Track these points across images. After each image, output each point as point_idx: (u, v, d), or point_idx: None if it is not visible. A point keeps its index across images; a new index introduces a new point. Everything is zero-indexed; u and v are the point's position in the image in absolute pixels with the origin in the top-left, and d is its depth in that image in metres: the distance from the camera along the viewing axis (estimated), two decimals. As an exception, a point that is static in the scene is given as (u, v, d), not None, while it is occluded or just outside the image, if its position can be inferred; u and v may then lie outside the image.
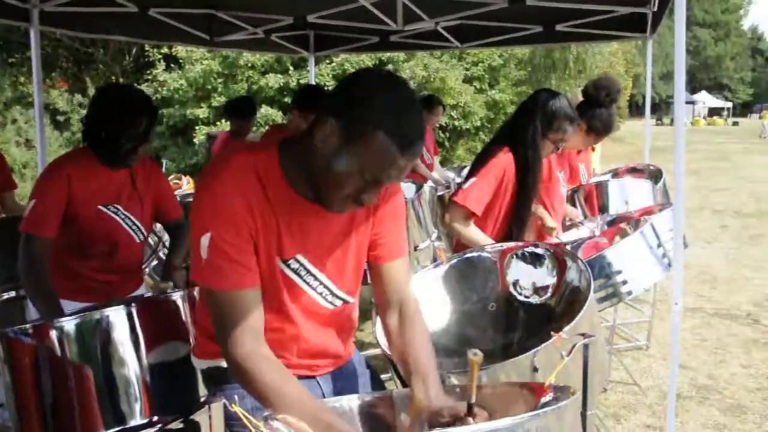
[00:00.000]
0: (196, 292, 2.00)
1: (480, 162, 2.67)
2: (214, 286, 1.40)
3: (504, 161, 2.60)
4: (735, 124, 51.50)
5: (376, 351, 2.81)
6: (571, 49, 18.67)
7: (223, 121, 12.52)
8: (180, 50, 13.08)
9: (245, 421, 1.11)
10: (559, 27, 5.01)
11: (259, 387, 1.37)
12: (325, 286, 1.55)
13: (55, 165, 2.52)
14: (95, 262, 2.55)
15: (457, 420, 1.36)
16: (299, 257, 1.49)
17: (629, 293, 2.49)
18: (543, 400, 1.29)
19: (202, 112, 12.93)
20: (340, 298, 1.59)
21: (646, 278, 2.54)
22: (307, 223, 1.48)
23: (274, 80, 12.61)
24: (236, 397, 1.47)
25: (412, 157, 1.33)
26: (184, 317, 1.99)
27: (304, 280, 1.52)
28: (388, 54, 12.35)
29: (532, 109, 2.67)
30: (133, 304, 1.97)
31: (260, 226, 1.42)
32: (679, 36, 2.31)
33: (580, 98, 3.32)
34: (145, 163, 2.66)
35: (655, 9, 4.26)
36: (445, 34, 5.21)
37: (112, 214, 2.54)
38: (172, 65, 13.78)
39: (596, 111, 3.13)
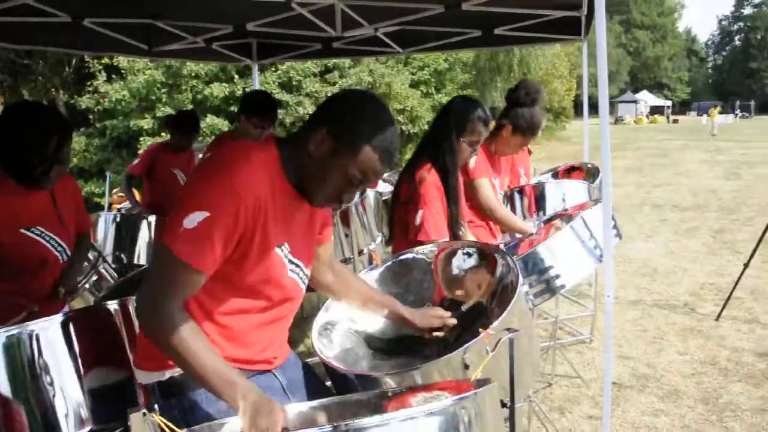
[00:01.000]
0: (130, 302, 2.00)
1: (409, 181, 2.70)
2: (182, 255, 1.45)
3: (432, 180, 2.66)
4: (675, 121, 53.31)
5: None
6: (515, 52, 19.08)
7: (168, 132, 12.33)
8: (122, 60, 12.84)
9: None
10: (497, 31, 5.12)
11: (172, 341, 1.45)
12: (302, 270, 1.73)
13: None
14: (19, 285, 2.41)
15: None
16: (286, 244, 1.65)
17: (563, 286, 2.57)
18: (463, 396, 1.33)
19: (146, 123, 12.72)
20: (308, 278, 1.80)
21: (578, 271, 2.62)
22: (293, 213, 1.66)
23: (219, 89, 12.50)
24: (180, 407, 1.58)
25: (390, 166, 1.62)
26: (119, 326, 1.98)
27: (291, 269, 1.68)
28: (334, 60, 12.38)
29: (447, 116, 2.77)
30: (68, 314, 1.94)
31: (265, 220, 1.54)
32: (601, 41, 2.40)
33: None
34: (66, 178, 2.54)
35: (586, 13, 4.41)
36: (386, 39, 5.26)
37: (37, 237, 2.43)
38: (113, 76, 13.50)
39: (518, 110, 3.21)
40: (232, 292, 1.59)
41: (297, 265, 1.71)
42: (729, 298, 5.15)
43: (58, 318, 1.87)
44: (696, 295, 5.81)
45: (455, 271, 2.11)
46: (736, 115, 56.77)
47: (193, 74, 12.75)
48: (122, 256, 4.87)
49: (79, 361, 1.86)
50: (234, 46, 5.67)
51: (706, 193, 12.22)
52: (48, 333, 1.82)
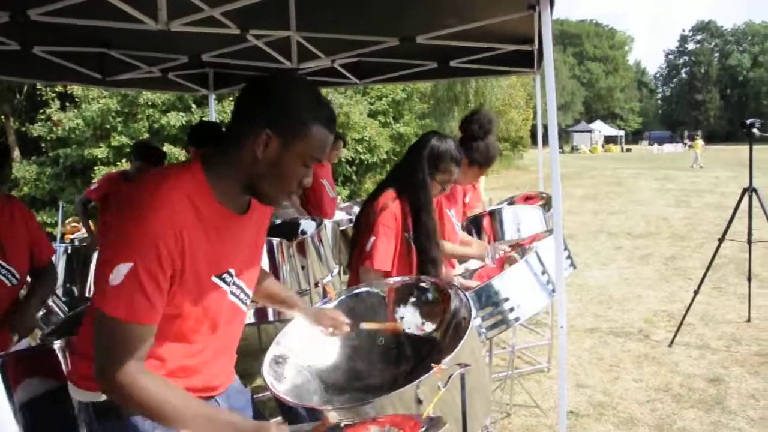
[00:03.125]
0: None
1: (371, 210, 2.69)
2: (118, 314, 1.37)
3: (393, 210, 2.65)
4: (628, 150, 54.94)
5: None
6: (472, 82, 19.44)
7: (124, 161, 12.12)
8: (76, 88, 12.62)
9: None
10: (453, 63, 5.21)
11: (144, 403, 1.41)
12: (243, 291, 1.68)
13: None
14: None
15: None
16: (231, 270, 1.61)
17: (517, 319, 2.58)
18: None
19: (101, 151, 12.48)
20: (250, 298, 1.74)
21: (532, 304, 2.63)
22: (233, 235, 1.58)
23: (176, 118, 12.36)
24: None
25: (334, 130, 1.58)
26: (62, 365, 1.92)
27: (231, 291, 1.63)
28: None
29: (420, 152, 2.76)
30: (6, 356, 1.88)
31: (192, 252, 1.46)
32: (549, 77, 2.46)
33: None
34: (12, 204, 2.59)
35: (538, 47, 4.52)
36: (343, 71, 5.31)
37: None
38: (67, 104, 13.26)
39: (473, 144, 3.22)
40: (169, 329, 1.52)
41: (240, 288, 1.66)
42: (681, 324, 5.26)
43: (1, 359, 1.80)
44: (650, 321, 5.91)
45: (409, 305, 2.10)
46: (685, 144, 58.70)
47: (149, 103, 12.60)
48: (73, 288, 4.73)
49: (20, 403, 1.80)
50: (190, 75, 5.65)
51: (658, 220, 12.54)
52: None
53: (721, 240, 5.31)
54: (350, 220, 5.43)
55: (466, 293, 1.94)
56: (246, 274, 1.68)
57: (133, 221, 1.40)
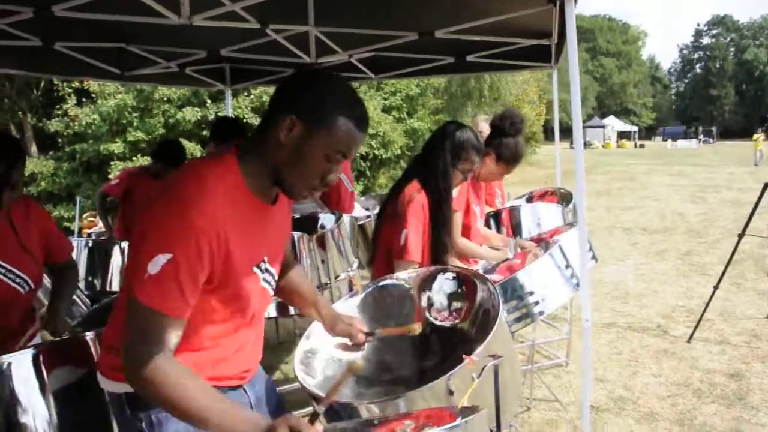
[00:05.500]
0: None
1: (396, 200, 2.72)
2: (152, 304, 1.38)
3: (420, 200, 2.69)
4: (641, 146, 54.58)
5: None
6: (486, 78, 19.37)
7: (140, 156, 12.20)
8: (92, 84, 12.72)
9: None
10: (469, 57, 5.20)
11: (165, 394, 1.38)
12: (273, 276, 1.71)
13: None
14: None
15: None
16: (265, 257, 1.63)
17: (541, 313, 2.58)
18: (453, 424, 1.31)
19: (117, 147, 12.58)
20: (277, 283, 1.76)
21: (557, 298, 2.63)
22: (264, 224, 1.60)
23: (191, 114, 12.42)
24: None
25: (366, 132, 1.56)
26: (95, 357, 1.94)
27: (264, 278, 1.65)
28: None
29: (441, 142, 2.78)
30: (39, 348, 1.90)
31: (234, 247, 1.48)
32: (574, 71, 2.44)
33: (484, 129, 3.45)
34: (27, 203, 2.49)
35: (556, 41, 4.50)
36: (360, 66, 5.31)
37: None
38: (84, 99, 13.37)
39: (503, 140, 3.24)
40: (207, 320, 1.54)
41: (271, 273, 1.69)
42: (700, 320, 5.23)
43: (30, 351, 1.82)
44: (668, 317, 5.88)
45: (435, 296, 2.10)
46: (700, 140, 58.29)
47: (165, 98, 12.67)
48: (95, 282, 4.76)
49: (53, 394, 1.82)
50: (207, 70, 5.67)
51: (674, 216, 12.45)
52: (23, 365, 1.77)
53: (741, 235, 5.27)
54: (367, 216, 5.43)
55: (494, 284, 1.94)
56: (276, 260, 1.71)
57: (177, 213, 1.40)
